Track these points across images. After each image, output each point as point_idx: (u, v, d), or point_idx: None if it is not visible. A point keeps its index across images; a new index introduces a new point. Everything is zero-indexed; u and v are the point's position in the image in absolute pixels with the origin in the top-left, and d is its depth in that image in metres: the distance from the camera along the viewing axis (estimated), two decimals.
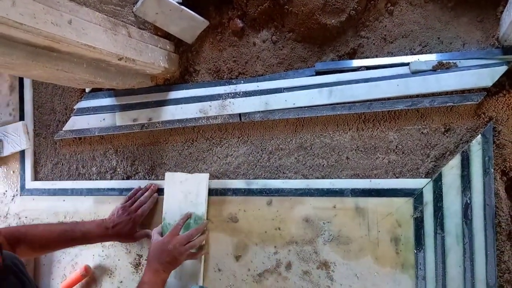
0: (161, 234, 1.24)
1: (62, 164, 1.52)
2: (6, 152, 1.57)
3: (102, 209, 1.41)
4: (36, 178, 1.56)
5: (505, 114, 1.01)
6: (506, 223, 1.00)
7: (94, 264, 1.43)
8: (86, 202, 1.44)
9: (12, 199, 1.58)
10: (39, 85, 1.56)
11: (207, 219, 1.26)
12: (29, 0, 0.78)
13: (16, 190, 1.58)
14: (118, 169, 1.42)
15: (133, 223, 1.26)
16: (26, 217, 1.55)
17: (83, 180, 1.47)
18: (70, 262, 1.47)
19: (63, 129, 1.45)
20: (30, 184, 1.55)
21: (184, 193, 1.29)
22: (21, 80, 1.58)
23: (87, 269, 1.41)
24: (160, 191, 1.34)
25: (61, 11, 0.86)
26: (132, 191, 1.34)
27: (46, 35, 0.82)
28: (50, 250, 1.35)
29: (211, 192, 1.27)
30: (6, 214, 1.59)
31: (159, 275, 1.13)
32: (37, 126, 1.56)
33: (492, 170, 1.00)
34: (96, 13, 1.01)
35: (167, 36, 1.31)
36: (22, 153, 1.57)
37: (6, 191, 1.60)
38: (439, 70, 1.06)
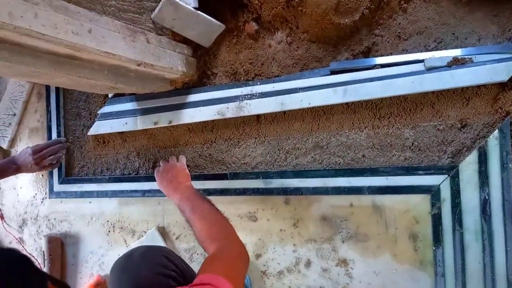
0: None
1: (88, 167, 1.58)
2: None
3: (127, 210, 1.46)
4: (63, 181, 1.62)
5: None
6: None
7: None
8: (111, 203, 1.50)
9: (42, 201, 1.65)
10: (65, 92, 1.62)
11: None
12: (51, 12, 0.82)
13: (45, 193, 1.65)
14: (141, 171, 1.47)
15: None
16: (55, 219, 1.62)
17: (108, 182, 1.52)
18: (97, 261, 1.52)
19: (88, 133, 1.50)
20: (58, 187, 1.61)
21: None
22: (47, 88, 1.65)
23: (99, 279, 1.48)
24: None
25: (81, 21, 0.91)
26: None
27: (68, 44, 0.86)
28: None
29: (230, 192, 1.29)
30: (36, 216, 1.66)
31: (180, 188, 1.23)
32: (63, 132, 1.62)
33: (511, 165, 0.99)
34: (115, 21, 1.05)
35: (184, 41, 1.35)
36: None
37: (36, 194, 1.67)
38: (454, 66, 1.06)
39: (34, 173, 1.69)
